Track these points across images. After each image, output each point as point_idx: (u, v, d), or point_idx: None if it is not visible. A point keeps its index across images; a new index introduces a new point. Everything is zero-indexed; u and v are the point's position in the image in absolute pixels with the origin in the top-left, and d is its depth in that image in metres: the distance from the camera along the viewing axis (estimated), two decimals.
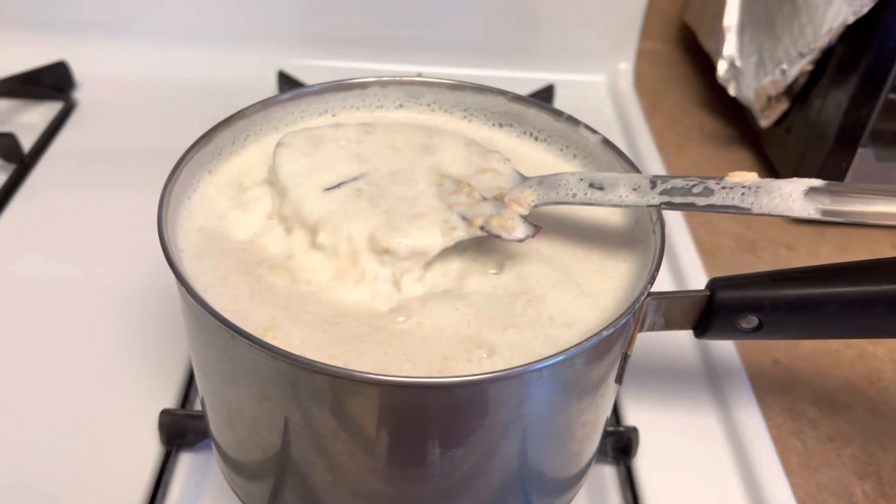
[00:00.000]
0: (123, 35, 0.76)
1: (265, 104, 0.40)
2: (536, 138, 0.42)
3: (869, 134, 0.59)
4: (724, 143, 0.76)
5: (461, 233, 0.34)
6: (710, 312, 0.35)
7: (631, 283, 0.34)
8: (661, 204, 0.33)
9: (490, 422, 0.30)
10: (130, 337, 0.49)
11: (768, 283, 0.35)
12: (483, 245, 0.35)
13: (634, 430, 0.44)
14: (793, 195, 0.31)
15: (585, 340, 0.28)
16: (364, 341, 0.30)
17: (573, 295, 0.33)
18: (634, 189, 0.33)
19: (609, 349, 0.32)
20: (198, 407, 0.46)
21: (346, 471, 0.31)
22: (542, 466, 0.34)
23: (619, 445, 0.44)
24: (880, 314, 0.34)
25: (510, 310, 0.32)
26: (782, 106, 0.65)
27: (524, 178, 0.37)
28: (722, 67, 0.72)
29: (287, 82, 0.72)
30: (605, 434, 0.42)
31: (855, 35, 0.57)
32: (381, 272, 0.33)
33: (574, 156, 0.41)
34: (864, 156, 0.60)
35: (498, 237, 0.34)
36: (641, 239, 0.36)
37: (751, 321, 0.35)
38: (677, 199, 0.32)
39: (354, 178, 0.36)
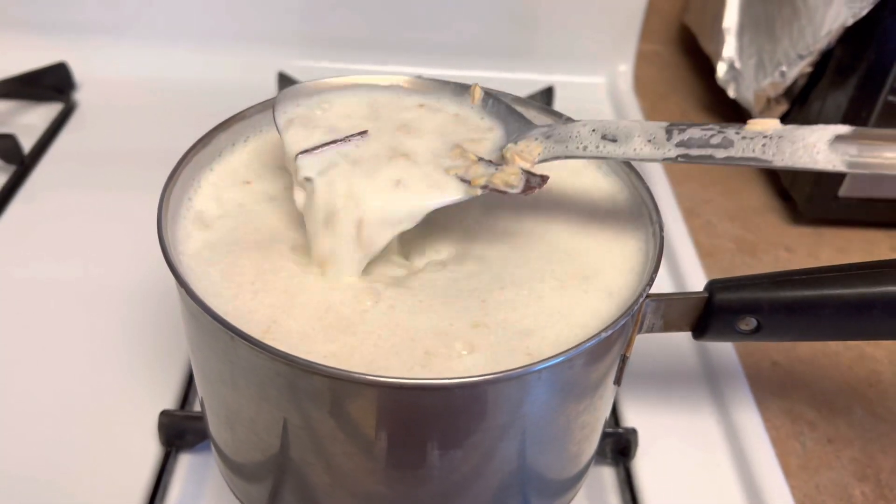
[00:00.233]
0: (124, 36, 0.77)
1: (265, 105, 0.40)
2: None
3: None
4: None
5: (456, 193, 0.32)
6: (709, 314, 0.35)
7: (629, 285, 0.34)
8: (677, 157, 0.31)
9: (489, 423, 0.30)
10: (130, 338, 0.49)
11: (767, 285, 0.35)
12: (479, 242, 0.35)
13: (633, 432, 0.44)
14: (817, 145, 0.28)
15: (584, 342, 0.28)
16: (355, 333, 0.30)
17: (572, 294, 0.33)
18: (649, 141, 0.32)
19: (608, 350, 0.32)
20: (197, 408, 0.46)
21: (344, 472, 0.31)
22: (540, 468, 0.34)
23: (618, 447, 0.44)
24: (879, 316, 0.34)
25: (506, 304, 0.32)
26: (782, 108, 0.65)
27: (529, 128, 0.35)
28: (721, 69, 0.72)
29: (287, 84, 0.72)
30: (604, 435, 0.42)
31: (854, 37, 0.57)
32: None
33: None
34: None
35: (503, 192, 0.32)
36: (640, 240, 0.36)
37: (749, 323, 0.35)
38: (694, 152, 0.31)
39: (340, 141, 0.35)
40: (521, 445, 0.32)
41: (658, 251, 0.33)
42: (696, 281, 0.56)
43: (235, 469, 0.37)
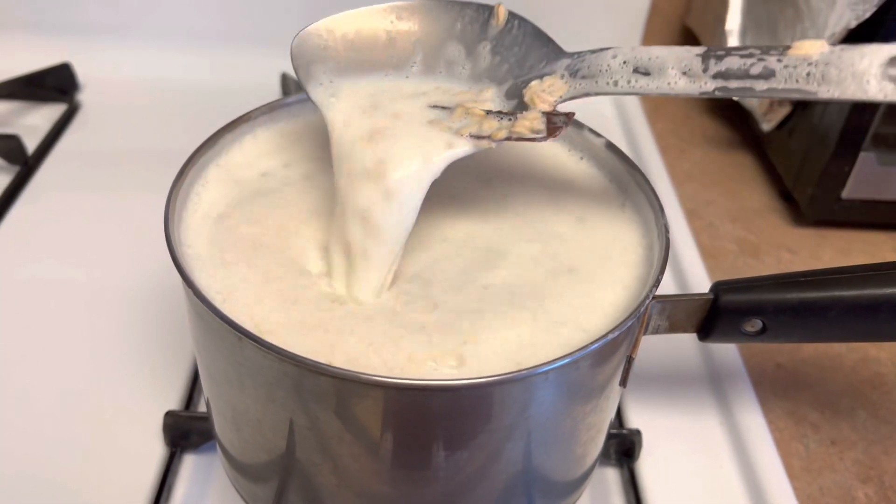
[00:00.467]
0: (127, 37, 0.77)
1: (270, 107, 0.40)
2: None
3: (871, 138, 0.59)
4: (726, 147, 0.76)
5: (464, 146, 0.31)
6: (714, 316, 0.35)
7: (635, 286, 0.34)
8: (714, 90, 0.29)
9: (495, 424, 0.30)
10: (135, 339, 0.49)
11: (772, 286, 0.35)
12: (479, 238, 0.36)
13: (638, 433, 0.44)
14: (868, 72, 0.26)
15: (591, 343, 0.28)
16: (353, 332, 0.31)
17: (576, 297, 0.33)
18: (684, 73, 0.29)
19: (614, 352, 0.32)
20: (202, 409, 0.46)
21: (351, 473, 0.31)
22: (546, 469, 0.34)
23: (623, 448, 0.44)
24: (884, 318, 0.34)
25: (510, 306, 0.32)
26: (784, 110, 0.65)
27: (556, 57, 0.33)
28: None
29: (290, 85, 0.72)
30: (609, 437, 0.42)
31: (857, 39, 0.57)
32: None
33: (581, 158, 0.41)
34: (866, 160, 0.60)
35: (530, 140, 0.30)
36: (645, 241, 0.36)
37: (755, 325, 0.35)
38: (733, 84, 0.28)
39: None
40: (527, 447, 0.32)
41: (664, 252, 0.33)
42: (700, 283, 0.56)
43: (241, 469, 0.37)
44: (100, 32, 0.76)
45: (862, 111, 0.58)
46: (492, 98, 0.34)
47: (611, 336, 0.29)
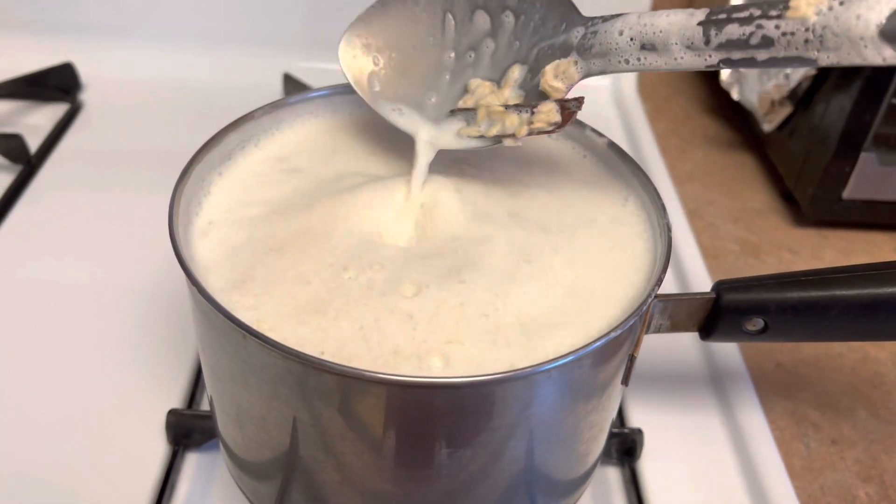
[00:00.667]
0: (129, 37, 0.77)
1: (274, 106, 0.40)
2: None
3: (872, 138, 0.59)
4: (727, 148, 0.76)
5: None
6: (716, 315, 0.36)
7: (637, 285, 0.34)
8: (718, 62, 0.29)
9: (498, 422, 0.30)
10: (137, 337, 0.49)
11: (774, 285, 0.35)
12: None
13: (639, 432, 0.44)
14: (864, 38, 0.25)
15: (594, 341, 0.29)
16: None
17: (579, 295, 0.34)
18: (688, 47, 0.29)
19: (616, 350, 0.32)
20: (204, 407, 0.46)
21: (354, 470, 0.32)
22: (548, 468, 0.34)
23: (624, 447, 0.44)
24: (884, 317, 0.34)
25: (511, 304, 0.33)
26: (785, 110, 0.66)
27: (572, 21, 0.33)
28: (725, 72, 0.72)
29: (293, 85, 0.72)
30: (610, 436, 0.42)
31: None
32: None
33: (584, 156, 0.41)
34: (866, 160, 0.60)
35: (549, 132, 0.33)
36: (647, 240, 0.36)
37: (756, 324, 0.35)
38: (736, 55, 0.28)
39: None
40: (530, 445, 0.32)
41: (666, 251, 0.33)
42: (701, 283, 0.57)
43: (244, 467, 0.37)
44: (102, 32, 0.76)
45: (863, 111, 0.58)
46: (516, 81, 0.35)
47: (613, 334, 0.29)
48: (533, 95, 0.35)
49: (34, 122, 0.69)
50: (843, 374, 0.53)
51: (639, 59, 0.31)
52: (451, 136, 0.37)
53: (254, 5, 0.76)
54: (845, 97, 0.58)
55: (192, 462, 0.43)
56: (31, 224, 0.58)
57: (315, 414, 0.30)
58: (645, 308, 0.31)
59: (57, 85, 0.72)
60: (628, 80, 0.81)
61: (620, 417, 0.47)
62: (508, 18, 0.36)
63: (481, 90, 0.36)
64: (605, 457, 0.44)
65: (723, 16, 0.29)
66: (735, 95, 0.71)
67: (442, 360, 0.30)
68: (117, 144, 0.68)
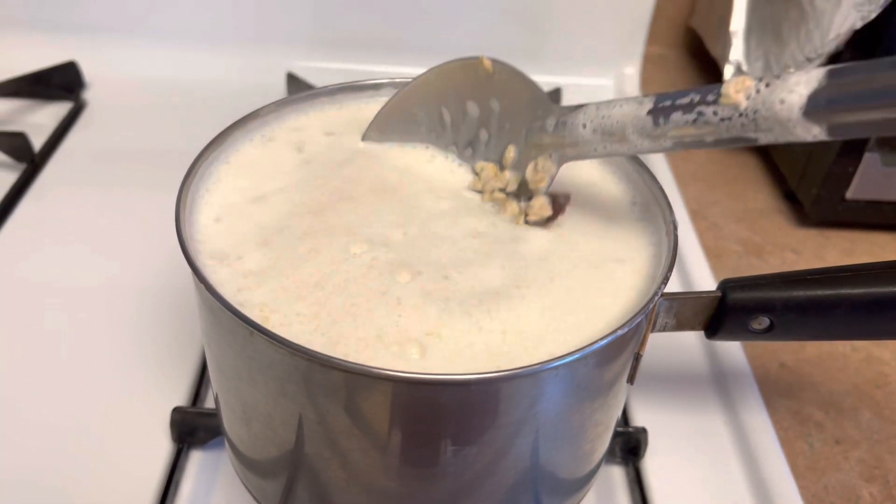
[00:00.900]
0: (133, 36, 0.77)
1: (279, 104, 0.40)
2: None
3: (875, 139, 0.59)
4: (730, 148, 0.76)
5: None
6: (722, 313, 0.36)
7: (643, 283, 0.34)
8: (673, 146, 0.31)
9: (504, 420, 0.30)
10: (142, 335, 0.49)
11: (780, 284, 0.35)
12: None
13: (643, 431, 0.44)
14: (790, 120, 0.26)
15: (600, 339, 0.29)
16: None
17: (585, 294, 0.34)
18: (643, 135, 0.31)
19: (622, 349, 0.32)
20: (209, 405, 0.46)
21: (360, 468, 0.32)
22: (554, 466, 0.34)
23: (628, 446, 0.44)
24: (891, 316, 0.34)
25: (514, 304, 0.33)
26: None
27: (544, 109, 0.36)
28: (728, 72, 0.72)
29: (296, 84, 0.72)
30: (614, 434, 0.42)
31: (862, 41, 0.57)
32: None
33: None
34: (870, 161, 0.60)
35: (544, 224, 0.35)
36: (653, 239, 0.36)
37: (762, 322, 0.35)
38: (686, 139, 0.30)
39: None
40: (536, 443, 0.32)
41: (672, 250, 0.33)
42: (704, 283, 0.57)
43: (250, 465, 0.37)
44: (106, 31, 0.76)
45: None
46: (513, 161, 0.38)
47: (620, 332, 0.29)
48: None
49: (38, 120, 0.69)
50: (847, 374, 0.53)
51: (605, 147, 0.33)
52: None
53: (257, 5, 0.76)
54: None
55: (197, 460, 0.43)
56: (35, 222, 0.58)
57: (321, 411, 0.30)
58: (651, 306, 0.31)
59: (60, 84, 0.73)
60: (631, 81, 0.82)
61: (624, 416, 0.47)
62: (495, 104, 0.38)
63: (486, 173, 0.38)
64: (610, 456, 0.44)
65: (668, 103, 0.31)
66: None
67: (419, 351, 0.30)
68: (120, 143, 0.68)
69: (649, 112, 0.31)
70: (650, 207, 0.37)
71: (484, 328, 0.31)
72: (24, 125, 0.68)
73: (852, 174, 0.61)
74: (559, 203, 0.36)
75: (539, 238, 0.36)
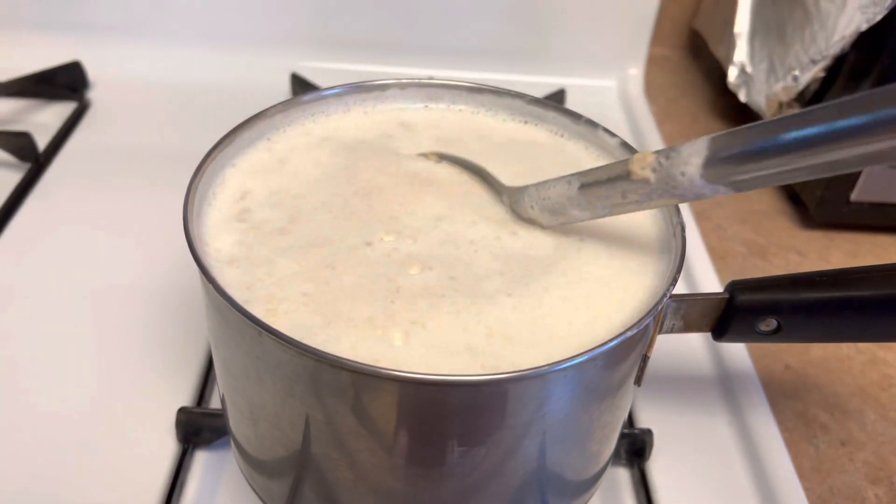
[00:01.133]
0: (137, 36, 0.77)
1: (286, 105, 0.40)
2: (563, 136, 0.43)
3: None
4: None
5: None
6: (730, 315, 0.36)
7: (651, 285, 0.34)
8: (612, 212, 0.33)
9: (512, 421, 0.30)
10: (147, 335, 0.49)
11: (788, 285, 0.35)
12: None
13: (649, 433, 0.44)
14: (693, 187, 0.29)
15: (609, 340, 0.29)
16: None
17: (591, 293, 0.34)
18: (581, 209, 0.33)
19: (630, 350, 0.32)
20: (214, 405, 0.46)
21: (367, 468, 0.32)
22: (561, 467, 0.34)
23: (634, 448, 0.44)
24: None
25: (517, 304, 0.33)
26: (794, 112, 0.65)
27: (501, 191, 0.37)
28: (732, 74, 0.72)
29: (300, 84, 0.72)
30: (620, 436, 0.42)
31: (868, 42, 0.57)
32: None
33: (598, 156, 0.41)
34: None
35: None
36: (660, 241, 0.36)
37: (769, 324, 0.35)
38: (617, 210, 0.32)
39: None
40: (543, 444, 0.32)
41: (680, 251, 0.33)
42: (709, 284, 0.57)
43: (256, 466, 0.37)
44: (110, 31, 0.76)
45: None
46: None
47: (628, 334, 0.29)
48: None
49: (42, 120, 0.69)
50: (852, 375, 0.53)
51: (556, 220, 0.35)
52: None
53: (262, 5, 0.76)
54: None
55: (202, 460, 0.43)
56: (40, 221, 0.58)
57: (329, 411, 0.30)
58: (660, 307, 0.31)
59: (65, 83, 0.73)
60: (635, 83, 0.82)
61: (630, 418, 0.47)
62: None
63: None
64: (615, 457, 0.44)
65: (591, 179, 0.32)
66: (742, 97, 0.71)
67: (402, 338, 0.30)
68: (125, 143, 0.68)
69: (579, 189, 0.33)
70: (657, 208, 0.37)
71: (469, 329, 0.31)
72: (29, 125, 0.68)
73: (857, 176, 0.61)
74: None
75: (547, 245, 0.35)
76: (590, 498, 0.40)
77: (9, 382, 0.46)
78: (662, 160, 0.30)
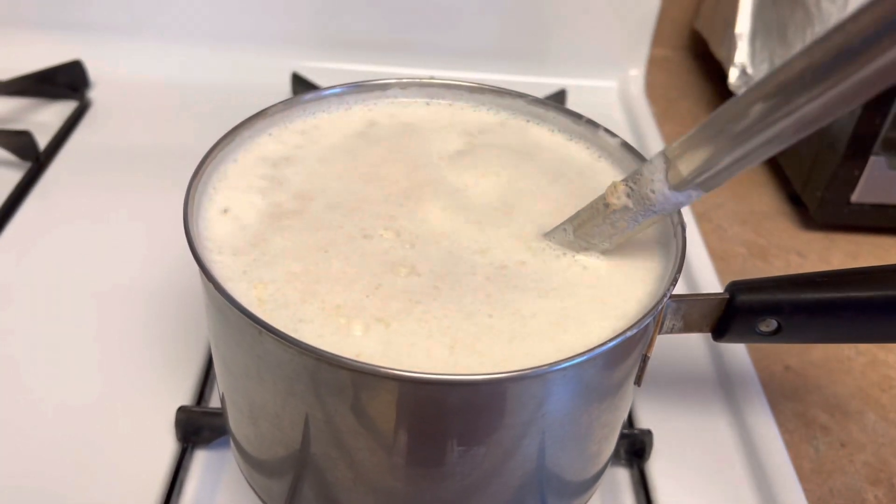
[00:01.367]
0: (138, 36, 0.77)
1: (287, 104, 0.40)
2: (565, 136, 0.43)
3: (881, 142, 0.59)
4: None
5: None
6: (730, 315, 0.36)
7: (651, 284, 0.34)
8: (623, 237, 0.33)
9: (512, 420, 0.30)
10: (146, 334, 0.49)
11: (788, 286, 0.35)
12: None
13: (648, 433, 0.44)
14: (667, 199, 0.30)
15: (609, 340, 0.29)
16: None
17: (592, 292, 0.34)
18: (587, 248, 0.34)
19: (631, 350, 0.32)
20: (213, 404, 0.46)
21: (366, 468, 0.32)
22: (561, 467, 0.34)
23: (633, 448, 0.44)
24: None
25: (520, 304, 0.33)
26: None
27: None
28: (733, 74, 0.72)
29: (301, 84, 0.72)
30: (620, 436, 0.42)
31: None
32: None
33: (599, 157, 0.41)
34: (876, 164, 0.60)
35: None
36: (661, 241, 0.36)
37: (770, 324, 0.35)
38: (616, 239, 0.33)
39: None
40: (543, 444, 0.32)
41: (681, 251, 0.33)
42: (709, 284, 0.57)
43: (256, 465, 0.37)
44: (111, 30, 0.77)
45: (872, 115, 0.58)
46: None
47: (628, 333, 0.29)
48: None
49: (43, 119, 0.69)
50: (852, 377, 0.53)
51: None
52: None
53: (262, 5, 0.76)
54: None
55: (201, 459, 0.43)
56: (40, 220, 0.58)
57: (329, 410, 0.30)
58: (660, 308, 0.31)
59: (66, 82, 0.73)
60: (636, 83, 0.82)
61: (629, 418, 0.47)
62: None
63: None
64: (614, 457, 0.44)
65: (580, 221, 0.34)
66: None
67: (362, 330, 0.30)
68: (125, 142, 0.68)
69: (574, 234, 0.34)
70: None
71: (433, 337, 0.30)
72: (29, 124, 0.68)
73: (858, 177, 0.61)
74: None
75: (552, 272, 0.34)
76: (589, 498, 0.40)
77: (9, 381, 0.46)
78: (632, 185, 0.31)
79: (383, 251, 0.34)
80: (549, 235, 0.35)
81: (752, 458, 0.45)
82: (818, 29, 0.60)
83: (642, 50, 0.81)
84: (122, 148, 0.67)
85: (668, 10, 0.88)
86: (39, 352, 0.48)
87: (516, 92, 0.43)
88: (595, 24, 0.79)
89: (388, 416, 0.29)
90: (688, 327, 0.36)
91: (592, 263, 0.34)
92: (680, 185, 0.30)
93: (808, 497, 0.44)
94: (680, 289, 0.57)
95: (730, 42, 0.74)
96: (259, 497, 0.38)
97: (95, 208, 0.60)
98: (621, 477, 0.44)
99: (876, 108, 0.57)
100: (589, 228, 0.34)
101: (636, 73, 0.82)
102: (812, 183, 0.64)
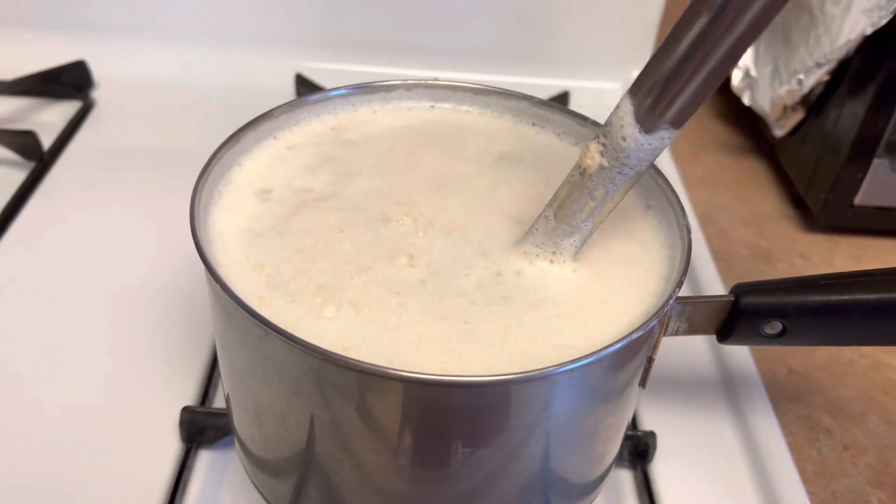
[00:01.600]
0: (142, 36, 0.77)
1: (293, 105, 0.40)
2: (569, 139, 0.43)
3: (885, 145, 0.59)
4: (738, 153, 0.76)
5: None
6: (735, 318, 0.36)
7: (656, 287, 0.34)
8: (609, 207, 0.33)
9: (517, 422, 0.30)
10: (151, 334, 0.49)
11: (793, 288, 0.35)
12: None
13: (652, 435, 0.44)
14: (639, 141, 0.30)
15: (615, 342, 0.29)
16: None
17: (598, 295, 0.34)
18: (572, 232, 0.34)
19: (636, 352, 0.32)
20: (218, 404, 0.46)
21: (371, 469, 0.32)
22: (565, 469, 0.34)
23: (637, 450, 0.44)
24: None
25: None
26: (798, 115, 0.66)
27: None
28: (736, 77, 0.72)
29: (305, 85, 0.72)
30: (624, 438, 0.42)
31: (872, 46, 0.57)
32: None
33: None
34: (879, 167, 0.60)
35: None
36: (664, 243, 0.36)
37: (775, 327, 0.35)
38: (599, 216, 0.33)
39: None
40: (548, 445, 0.32)
41: (686, 254, 0.33)
42: (713, 287, 0.57)
43: (260, 465, 0.37)
44: (115, 30, 0.77)
45: (876, 118, 0.58)
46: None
47: (634, 336, 0.29)
48: None
49: (47, 119, 0.70)
50: (855, 379, 0.53)
51: (561, 257, 0.35)
52: None
53: (266, 5, 0.76)
54: (858, 103, 0.58)
55: (206, 459, 0.43)
56: (44, 220, 0.58)
57: (335, 411, 0.30)
58: (665, 310, 0.31)
59: (70, 82, 0.73)
60: None
61: (633, 420, 0.47)
62: None
63: None
64: (618, 459, 0.44)
65: (559, 200, 0.33)
66: (746, 101, 0.71)
67: (335, 311, 0.31)
68: (129, 142, 0.68)
69: (557, 221, 0.33)
70: (663, 211, 0.37)
71: (399, 330, 0.31)
72: (33, 124, 0.68)
73: (861, 180, 0.61)
74: None
75: (549, 284, 0.34)
76: (593, 500, 0.40)
77: (13, 381, 0.46)
78: (602, 139, 0.31)
79: (393, 236, 0.35)
80: (531, 228, 0.35)
81: (755, 461, 0.45)
82: (822, 31, 0.60)
83: (645, 52, 0.81)
84: (126, 148, 0.67)
85: (672, 12, 0.87)
86: (44, 351, 0.48)
87: (520, 94, 0.43)
88: (598, 26, 0.79)
89: (394, 417, 0.30)
90: (693, 329, 0.36)
91: (590, 266, 0.35)
92: (650, 125, 0.29)
93: (811, 499, 0.44)
94: (683, 292, 0.57)
95: None
96: (263, 497, 0.38)
97: (99, 208, 0.60)
98: (625, 478, 0.44)
99: (879, 110, 0.57)
100: (569, 207, 0.33)
101: None
102: (815, 185, 0.64)
